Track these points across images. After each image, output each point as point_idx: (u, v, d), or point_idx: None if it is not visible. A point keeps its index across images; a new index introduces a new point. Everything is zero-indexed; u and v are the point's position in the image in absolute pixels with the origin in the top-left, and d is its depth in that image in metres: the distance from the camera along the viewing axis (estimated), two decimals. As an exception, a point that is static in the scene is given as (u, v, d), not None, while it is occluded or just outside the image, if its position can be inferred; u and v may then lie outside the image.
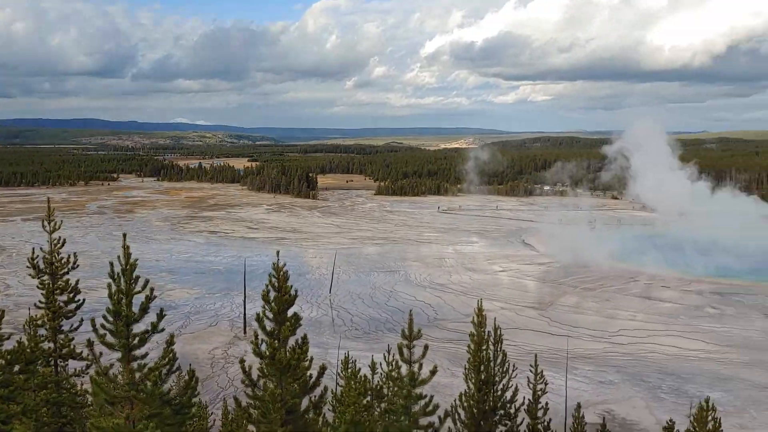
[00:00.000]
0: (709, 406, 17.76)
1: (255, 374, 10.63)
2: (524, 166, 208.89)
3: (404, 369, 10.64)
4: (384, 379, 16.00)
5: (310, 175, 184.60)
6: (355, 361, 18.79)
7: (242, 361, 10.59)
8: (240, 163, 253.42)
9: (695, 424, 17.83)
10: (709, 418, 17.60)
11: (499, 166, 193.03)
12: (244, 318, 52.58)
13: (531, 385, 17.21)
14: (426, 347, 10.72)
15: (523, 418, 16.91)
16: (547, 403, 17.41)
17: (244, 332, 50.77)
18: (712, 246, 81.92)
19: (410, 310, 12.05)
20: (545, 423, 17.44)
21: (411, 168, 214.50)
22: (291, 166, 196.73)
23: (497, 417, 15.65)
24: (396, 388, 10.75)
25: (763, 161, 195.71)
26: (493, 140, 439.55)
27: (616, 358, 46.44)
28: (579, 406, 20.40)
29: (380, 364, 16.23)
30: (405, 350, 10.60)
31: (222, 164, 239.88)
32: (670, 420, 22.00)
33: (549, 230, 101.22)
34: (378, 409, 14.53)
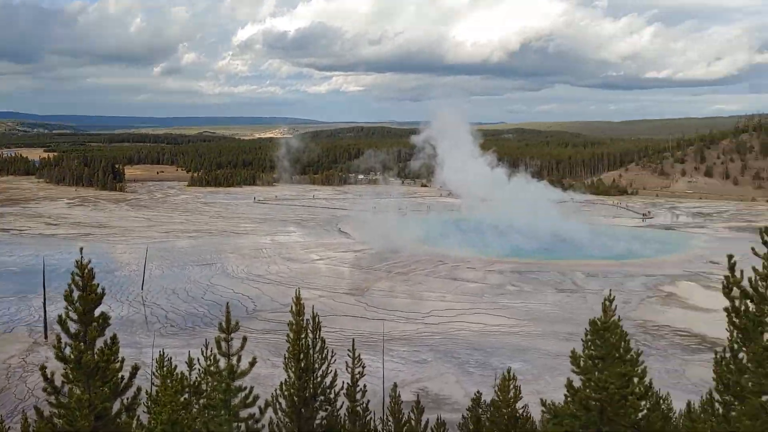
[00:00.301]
0: (510, 375, 19.27)
1: (59, 381, 9.92)
2: (338, 155, 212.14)
3: (223, 362, 10.48)
4: (202, 375, 15.61)
5: (117, 166, 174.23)
6: (171, 358, 18.11)
7: (43, 368, 9.84)
8: (35, 154, 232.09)
9: (499, 393, 19.31)
10: (511, 386, 19.10)
11: (313, 155, 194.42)
12: (45, 322, 48.52)
13: (349, 369, 17.63)
14: (244, 339, 10.63)
15: (343, 402, 17.30)
16: (365, 386, 17.93)
17: (45, 337, 46.87)
18: (510, 228, 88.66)
19: (227, 303, 11.86)
20: (364, 405, 17.97)
21: (225, 158, 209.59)
22: (94, 157, 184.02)
23: (318, 403, 15.88)
24: (215, 383, 10.56)
25: (552, 150, 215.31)
26: (307, 130, 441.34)
27: (428, 337, 48.85)
28: (395, 385, 21.23)
29: (198, 359, 15.81)
30: (223, 343, 10.43)
31: (13, 155, 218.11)
32: (478, 391, 23.64)
33: (363, 218, 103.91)
34: (197, 406, 14.15)
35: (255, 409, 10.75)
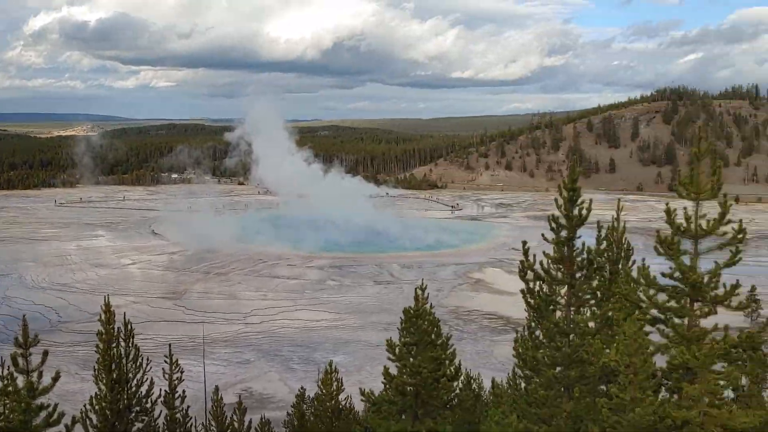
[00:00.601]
0: (332, 369, 19.66)
1: None
2: (150, 154, 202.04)
3: (21, 381, 9.65)
4: (-2, 397, 14.25)
5: None
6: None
7: None
8: None
9: (322, 387, 19.62)
10: (333, 379, 19.48)
11: (121, 154, 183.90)
12: None
13: (167, 376, 17.01)
14: (45, 353, 9.86)
15: (161, 411, 16.64)
16: (184, 392, 17.39)
17: None
18: (327, 223, 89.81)
19: (23, 316, 10.93)
20: (184, 411, 17.41)
21: (20, 158, 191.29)
22: None
23: (133, 414, 15.13)
24: (13, 403, 9.70)
25: (367, 146, 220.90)
26: (114, 127, 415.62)
27: (251, 337, 48.28)
28: (217, 389, 20.82)
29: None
30: (20, 359, 9.60)
31: None
32: (302, 387, 23.86)
33: (178, 218, 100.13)
34: (-8, 431, 12.91)
35: (61, 428, 10.04)
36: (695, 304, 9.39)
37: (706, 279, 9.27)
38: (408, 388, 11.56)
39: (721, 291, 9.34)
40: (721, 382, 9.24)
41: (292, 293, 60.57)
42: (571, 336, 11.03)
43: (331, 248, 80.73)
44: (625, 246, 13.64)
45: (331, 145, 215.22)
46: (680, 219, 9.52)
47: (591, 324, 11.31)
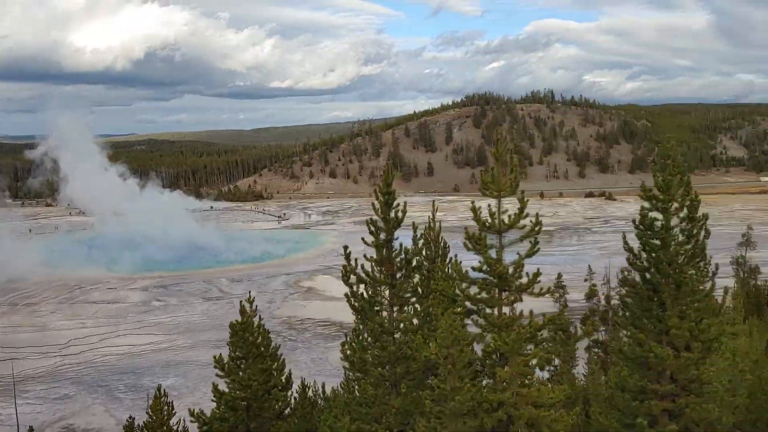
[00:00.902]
0: (161, 393, 18.83)
1: None
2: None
3: None
4: None
5: None
6: None
7: None
8: None
9: (151, 413, 18.75)
10: (163, 404, 18.68)
11: None
12: None
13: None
14: None
15: (-34, 461, 15.12)
16: (-7, 437, 15.91)
17: None
18: (147, 241, 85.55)
19: None
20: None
21: None
22: None
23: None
24: None
25: (187, 159, 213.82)
26: None
27: (69, 369, 44.91)
28: (31, 429, 19.25)
29: None
30: None
31: None
32: (130, 417, 22.60)
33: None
34: None
35: None
36: (503, 293, 10.19)
37: (511, 270, 10.10)
38: (240, 403, 11.44)
39: (525, 280, 10.21)
40: (533, 362, 10.11)
41: (113, 318, 57.12)
42: (396, 334, 11.50)
43: (154, 267, 77.08)
44: (442, 244, 14.48)
45: (148, 159, 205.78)
46: (486, 216, 10.28)
47: (414, 321, 11.86)
